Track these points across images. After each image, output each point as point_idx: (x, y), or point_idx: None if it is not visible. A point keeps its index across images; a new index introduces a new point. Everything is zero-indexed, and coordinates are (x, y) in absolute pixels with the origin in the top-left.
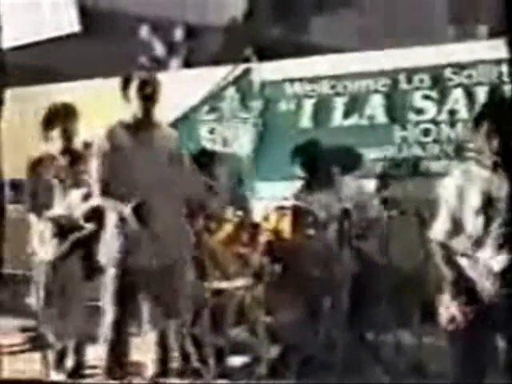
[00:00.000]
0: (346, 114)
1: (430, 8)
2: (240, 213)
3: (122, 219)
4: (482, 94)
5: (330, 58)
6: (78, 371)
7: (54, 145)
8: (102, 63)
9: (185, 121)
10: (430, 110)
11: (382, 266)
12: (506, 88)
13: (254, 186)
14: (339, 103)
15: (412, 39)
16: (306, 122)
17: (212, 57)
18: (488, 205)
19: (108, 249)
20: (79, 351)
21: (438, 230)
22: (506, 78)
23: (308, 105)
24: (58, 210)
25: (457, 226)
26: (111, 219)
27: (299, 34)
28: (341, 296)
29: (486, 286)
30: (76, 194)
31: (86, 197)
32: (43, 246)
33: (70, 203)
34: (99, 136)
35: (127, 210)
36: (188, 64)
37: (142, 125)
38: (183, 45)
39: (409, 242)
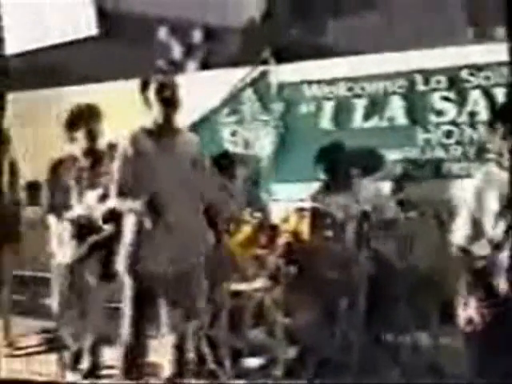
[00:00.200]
0: (367, 116)
1: (449, 9)
2: (258, 214)
3: (140, 222)
4: (500, 95)
5: (348, 60)
6: (93, 372)
7: (78, 145)
8: (121, 65)
9: (206, 123)
10: (450, 111)
11: (399, 268)
12: None
13: (272, 187)
14: (359, 105)
15: (429, 41)
16: (326, 123)
17: (230, 59)
18: (508, 207)
19: (125, 255)
20: (95, 352)
21: (459, 234)
22: None
23: (328, 107)
24: (76, 211)
25: (477, 230)
26: (129, 222)
27: (317, 36)
28: (358, 297)
29: (505, 288)
30: (92, 195)
31: (102, 198)
32: (62, 247)
33: (88, 204)
34: (123, 139)
35: (140, 205)
36: (206, 66)
37: (164, 130)
38: (201, 47)
39: (427, 244)
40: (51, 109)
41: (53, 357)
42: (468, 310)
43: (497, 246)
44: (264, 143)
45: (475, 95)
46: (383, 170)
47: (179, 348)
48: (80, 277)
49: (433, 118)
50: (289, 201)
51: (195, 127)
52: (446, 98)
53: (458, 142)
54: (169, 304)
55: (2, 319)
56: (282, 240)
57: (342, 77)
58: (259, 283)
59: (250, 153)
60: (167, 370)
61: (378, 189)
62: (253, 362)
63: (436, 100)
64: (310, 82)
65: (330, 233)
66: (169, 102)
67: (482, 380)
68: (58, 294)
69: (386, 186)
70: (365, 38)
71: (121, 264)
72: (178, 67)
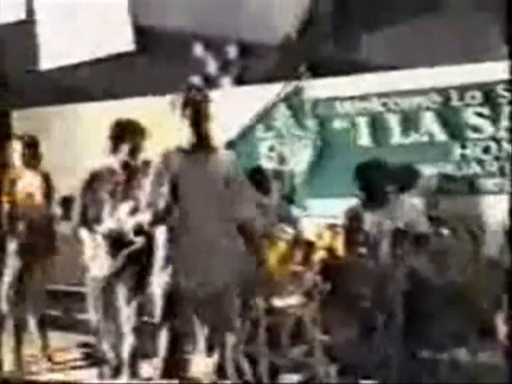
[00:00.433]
0: (404, 132)
1: (484, 25)
2: (292, 230)
3: (172, 237)
4: None
5: (382, 76)
6: None
7: (118, 158)
8: (157, 81)
9: (243, 139)
10: (487, 127)
11: (435, 284)
12: None
13: (306, 203)
14: (392, 121)
15: (464, 56)
16: (364, 139)
17: (265, 74)
18: None
19: (157, 274)
20: (134, 365)
21: (492, 248)
22: None
23: (362, 122)
24: (108, 224)
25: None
26: (160, 236)
27: (351, 52)
28: (394, 314)
29: None
30: (124, 208)
31: (134, 211)
32: (96, 261)
33: (119, 217)
34: (155, 157)
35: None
36: (241, 82)
37: (197, 148)
38: (236, 62)
39: (462, 259)
40: (88, 124)
41: (93, 371)
42: (508, 325)
43: None
44: (299, 159)
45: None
46: (418, 185)
47: (217, 364)
48: (114, 290)
49: (470, 134)
50: (323, 217)
51: (232, 143)
52: (480, 114)
53: (495, 158)
54: (202, 321)
55: (39, 333)
56: (317, 256)
57: (376, 92)
58: (295, 300)
59: (285, 168)
60: None
61: (412, 205)
62: (292, 379)
63: (470, 116)
64: (343, 98)
65: (364, 249)
66: (198, 119)
67: None
68: (94, 307)
69: (421, 202)
70: (399, 54)
71: (154, 278)
72: (213, 83)
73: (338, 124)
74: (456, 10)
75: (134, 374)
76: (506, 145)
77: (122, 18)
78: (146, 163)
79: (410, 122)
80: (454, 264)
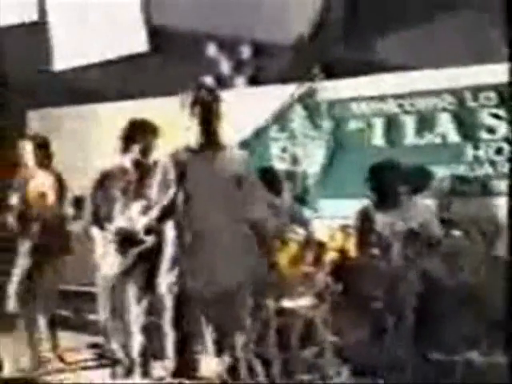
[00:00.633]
0: (419, 133)
1: (499, 25)
2: (304, 231)
3: (179, 236)
4: None
5: (397, 76)
6: None
7: (130, 157)
8: (170, 81)
9: (256, 139)
10: (501, 128)
11: (447, 285)
12: None
13: (318, 204)
14: (408, 121)
15: (479, 57)
16: (378, 140)
17: (279, 75)
18: None
19: (165, 274)
20: (145, 364)
21: (504, 249)
22: None
23: (378, 123)
24: (119, 222)
25: None
26: (169, 235)
27: (366, 52)
28: (405, 315)
29: None
30: (136, 207)
31: (146, 210)
32: (106, 259)
33: (131, 216)
34: (164, 156)
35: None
36: (254, 82)
37: (206, 147)
38: (250, 63)
39: (474, 261)
40: (101, 124)
41: (104, 371)
42: None
43: None
44: (313, 160)
45: None
46: (431, 187)
47: (229, 364)
48: (124, 289)
49: (483, 135)
50: (335, 218)
51: (246, 143)
52: (496, 115)
53: (508, 159)
54: (209, 321)
55: (49, 333)
56: (328, 257)
57: (391, 93)
58: (306, 301)
59: (297, 169)
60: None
61: (425, 206)
62: (303, 380)
63: (485, 117)
64: (358, 99)
65: (376, 251)
66: (207, 118)
67: None
68: (103, 306)
69: (433, 204)
70: (413, 55)
71: (162, 279)
72: (226, 83)
73: (353, 125)
74: (470, 10)
75: (145, 373)
76: None
77: (136, 19)
78: (155, 163)
79: (425, 122)
80: (466, 265)
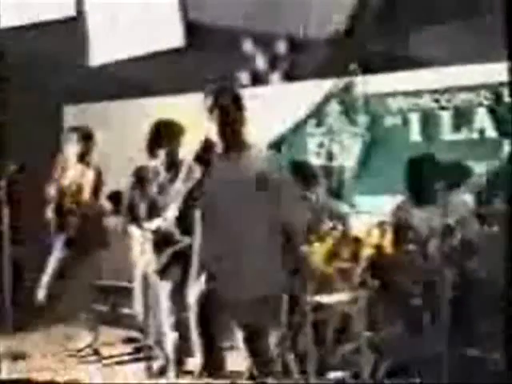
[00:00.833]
0: (456, 128)
1: None
2: (340, 227)
3: (206, 239)
4: None
5: (433, 72)
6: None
7: (160, 161)
8: (205, 77)
9: (292, 134)
10: None
11: (484, 282)
12: None
13: (355, 199)
14: (445, 117)
15: None
16: (415, 135)
17: (314, 70)
18: None
19: (193, 278)
20: (179, 361)
21: None
22: None
23: (414, 118)
24: (156, 222)
25: None
26: (197, 238)
27: (402, 47)
28: (442, 312)
29: None
30: (172, 208)
31: None
32: (143, 257)
33: (166, 217)
34: (188, 155)
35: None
36: (290, 77)
37: (229, 148)
38: (286, 58)
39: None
40: (137, 120)
41: (140, 365)
42: None
43: None
44: (349, 155)
45: None
46: (469, 183)
47: (258, 361)
48: (158, 286)
49: None
50: (372, 213)
51: (282, 138)
52: None
53: None
54: (239, 324)
55: (88, 328)
56: (365, 253)
57: (428, 88)
58: (342, 296)
59: (334, 164)
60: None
61: (462, 202)
62: (339, 375)
63: None
64: (395, 94)
65: (412, 247)
66: (226, 122)
67: None
68: (139, 303)
69: (471, 200)
70: (450, 50)
71: (191, 284)
72: (262, 79)
73: (389, 120)
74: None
75: (179, 369)
76: None
77: (172, 14)
78: (181, 162)
79: (462, 118)
80: (503, 261)
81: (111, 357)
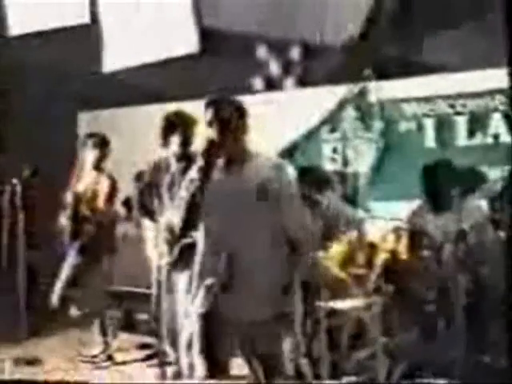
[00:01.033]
0: (471, 134)
1: None
2: (355, 232)
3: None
4: None
5: (448, 77)
6: None
7: (171, 150)
8: (219, 83)
9: (306, 140)
10: None
11: (498, 288)
12: None
13: (370, 205)
14: (460, 122)
15: None
16: (430, 141)
17: (328, 76)
18: None
19: (194, 292)
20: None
21: None
22: None
23: (429, 124)
24: (168, 216)
25: None
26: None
27: (416, 53)
28: (456, 318)
29: None
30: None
31: None
32: (156, 250)
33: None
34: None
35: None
36: (304, 83)
37: (232, 155)
38: (300, 64)
39: None
40: (149, 126)
41: (154, 370)
42: None
43: None
44: (364, 160)
45: None
46: (484, 188)
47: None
48: (175, 280)
49: None
50: (386, 219)
51: (296, 144)
52: None
53: None
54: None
55: (102, 333)
56: (380, 259)
57: (443, 94)
58: (357, 302)
59: (348, 170)
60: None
61: (477, 208)
62: (353, 381)
63: None
64: (409, 100)
65: (427, 253)
66: (228, 125)
67: None
68: (157, 300)
69: (485, 205)
70: (465, 55)
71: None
72: (276, 84)
73: (404, 126)
74: None
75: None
76: None
77: (186, 20)
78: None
79: (477, 123)
80: None
81: (125, 362)
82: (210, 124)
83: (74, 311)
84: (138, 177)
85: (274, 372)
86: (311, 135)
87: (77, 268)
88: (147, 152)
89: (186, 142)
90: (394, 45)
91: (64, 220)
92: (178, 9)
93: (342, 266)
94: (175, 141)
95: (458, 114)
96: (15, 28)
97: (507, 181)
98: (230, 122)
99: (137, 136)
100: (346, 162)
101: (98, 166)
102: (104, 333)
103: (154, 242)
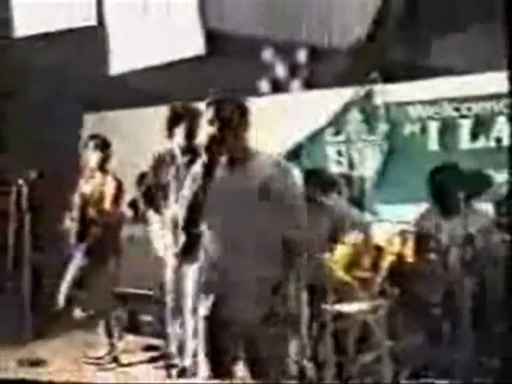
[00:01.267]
0: (474, 137)
1: None
2: (361, 235)
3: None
4: None
5: (453, 80)
6: None
7: (176, 142)
8: (225, 85)
9: (311, 142)
10: None
11: (504, 292)
12: None
13: (376, 208)
14: (464, 125)
15: None
16: (433, 145)
17: (335, 78)
18: None
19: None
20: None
21: None
22: None
23: (433, 127)
24: (174, 208)
25: None
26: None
27: (422, 56)
28: (462, 321)
29: None
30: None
31: None
32: (162, 241)
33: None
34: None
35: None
36: (310, 86)
37: (233, 153)
38: (306, 66)
39: None
40: (156, 128)
41: (160, 372)
42: None
43: None
44: (368, 163)
45: None
46: (489, 192)
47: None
48: (183, 272)
49: None
50: (393, 222)
51: (301, 146)
52: None
53: None
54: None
55: (107, 335)
56: (385, 262)
57: (448, 97)
58: (363, 305)
59: (354, 173)
60: None
61: (483, 212)
62: None
63: None
64: (415, 103)
65: (433, 256)
66: (229, 124)
67: None
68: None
69: (491, 209)
70: (471, 58)
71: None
72: (282, 87)
73: (408, 129)
74: None
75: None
76: None
77: (192, 22)
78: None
79: (481, 127)
80: None
81: (130, 364)
82: (211, 122)
83: (79, 313)
84: (141, 178)
85: (278, 375)
86: (316, 137)
87: (82, 269)
88: (151, 154)
89: (190, 135)
90: (400, 47)
91: (70, 221)
92: (184, 11)
93: (347, 269)
94: (180, 132)
95: (463, 117)
96: (21, 29)
97: None
98: (231, 121)
99: (142, 138)
100: (351, 165)
101: (102, 168)
102: (109, 334)
103: (159, 234)
